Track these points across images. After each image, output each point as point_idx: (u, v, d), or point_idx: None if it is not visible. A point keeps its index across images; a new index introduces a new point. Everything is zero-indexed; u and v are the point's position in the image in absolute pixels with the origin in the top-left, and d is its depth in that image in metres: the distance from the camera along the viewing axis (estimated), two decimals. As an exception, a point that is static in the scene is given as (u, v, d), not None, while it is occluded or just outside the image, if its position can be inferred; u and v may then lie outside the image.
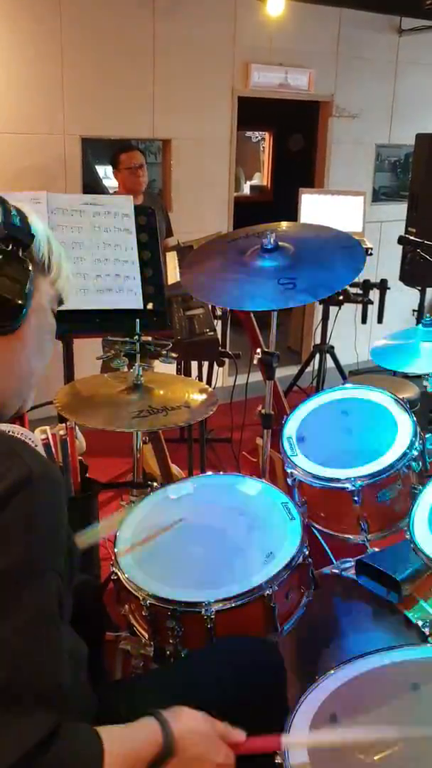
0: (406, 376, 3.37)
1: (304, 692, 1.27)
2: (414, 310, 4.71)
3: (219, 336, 3.42)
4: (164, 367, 2.61)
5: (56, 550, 0.95)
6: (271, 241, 2.00)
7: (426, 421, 2.96)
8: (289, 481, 1.93)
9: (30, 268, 1.03)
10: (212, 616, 1.43)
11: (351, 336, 4.87)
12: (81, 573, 1.14)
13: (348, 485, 1.80)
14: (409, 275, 4.58)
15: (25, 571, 0.89)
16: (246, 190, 8.25)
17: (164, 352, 2.15)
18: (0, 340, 1.02)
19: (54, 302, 1.10)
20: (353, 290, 4.06)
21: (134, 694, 1.32)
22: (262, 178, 8.29)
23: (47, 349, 1.11)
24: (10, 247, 1.01)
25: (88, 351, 2.67)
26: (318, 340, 4.46)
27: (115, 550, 1.63)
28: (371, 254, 3.78)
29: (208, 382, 3.81)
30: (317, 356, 4.45)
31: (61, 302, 1.12)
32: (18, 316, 1.02)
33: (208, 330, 3.21)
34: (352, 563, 1.79)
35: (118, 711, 1.14)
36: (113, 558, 1.61)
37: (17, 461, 0.91)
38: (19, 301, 1.01)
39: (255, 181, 8.35)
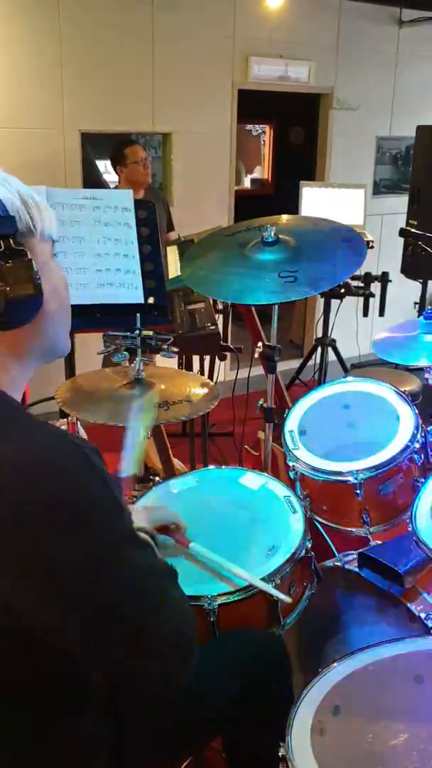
0: (407, 368, 3.37)
1: (308, 684, 1.27)
2: (415, 303, 4.70)
3: (220, 330, 3.42)
4: (165, 362, 2.61)
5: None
6: (272, 234, 2.00)
7: (428, 414, 2.94)
8: (291, 474, 1.93)
9: (29, 256, 0.95)
10: (215, 610, 1.43)
11: (352, 329, 4.86)
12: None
13: (350, 478, 1.80)
14: (411, 268, 4.57)
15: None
16: (246, 183, 8.22)
17: (165, 346, 2.14)
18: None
19: (51, 246, 1.04)
20: (354, 283, 4.04)
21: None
22: (262, 171, 8.27)
23: (65, 284, 1.07)
24: (2, 246, 0.93)
25: (89, 346, 2.66)
26: (319, 334, 4.45)
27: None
28: (372, 247, 3.76)
29: (210, 377, 3.81)
30: (319, 350, 4.44)
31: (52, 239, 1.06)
32: (41, 302, 0.99)
33: (209, 324, 3.21)
34: (355, 556, 1.80)
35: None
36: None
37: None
38: (37, 293, 0.97)
39: (255, 175, 8.32)
